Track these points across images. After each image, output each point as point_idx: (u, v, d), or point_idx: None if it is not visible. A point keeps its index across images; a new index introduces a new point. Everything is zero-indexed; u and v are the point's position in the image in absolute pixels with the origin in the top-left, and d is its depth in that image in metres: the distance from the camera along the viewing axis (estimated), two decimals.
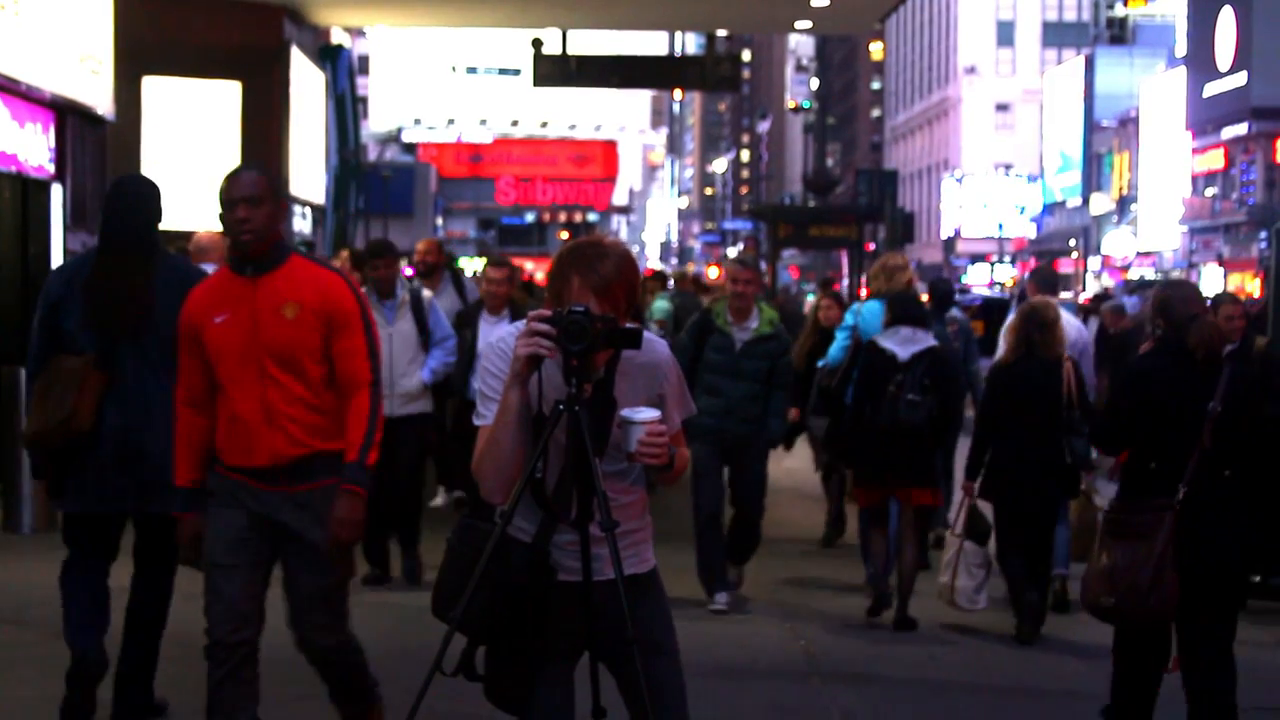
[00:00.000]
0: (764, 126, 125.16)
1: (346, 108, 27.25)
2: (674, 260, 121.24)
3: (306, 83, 23.27)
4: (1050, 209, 77.36)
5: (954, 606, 8.41)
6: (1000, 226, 75.77)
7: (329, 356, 5.18)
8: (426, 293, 9.48)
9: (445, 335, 9.27)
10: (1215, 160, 53.07)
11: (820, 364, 10.47)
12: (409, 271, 12.52)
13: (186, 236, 10.31)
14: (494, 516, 4.07)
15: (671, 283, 18.30)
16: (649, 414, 3.95)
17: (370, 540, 8.92)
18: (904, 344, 8.47)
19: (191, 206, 18.99)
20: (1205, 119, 52.47)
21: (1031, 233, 78.86)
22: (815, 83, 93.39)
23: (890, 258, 10.25)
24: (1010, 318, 9.19)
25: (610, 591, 3.94)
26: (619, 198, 74.82)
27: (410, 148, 71.11)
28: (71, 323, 5.93)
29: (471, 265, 34.44)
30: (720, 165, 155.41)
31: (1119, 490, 5.99)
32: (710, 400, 8.66)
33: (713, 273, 43.01)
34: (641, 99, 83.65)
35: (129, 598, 6.09)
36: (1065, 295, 23.67)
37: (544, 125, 76.60)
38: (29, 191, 13.68)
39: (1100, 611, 5.96)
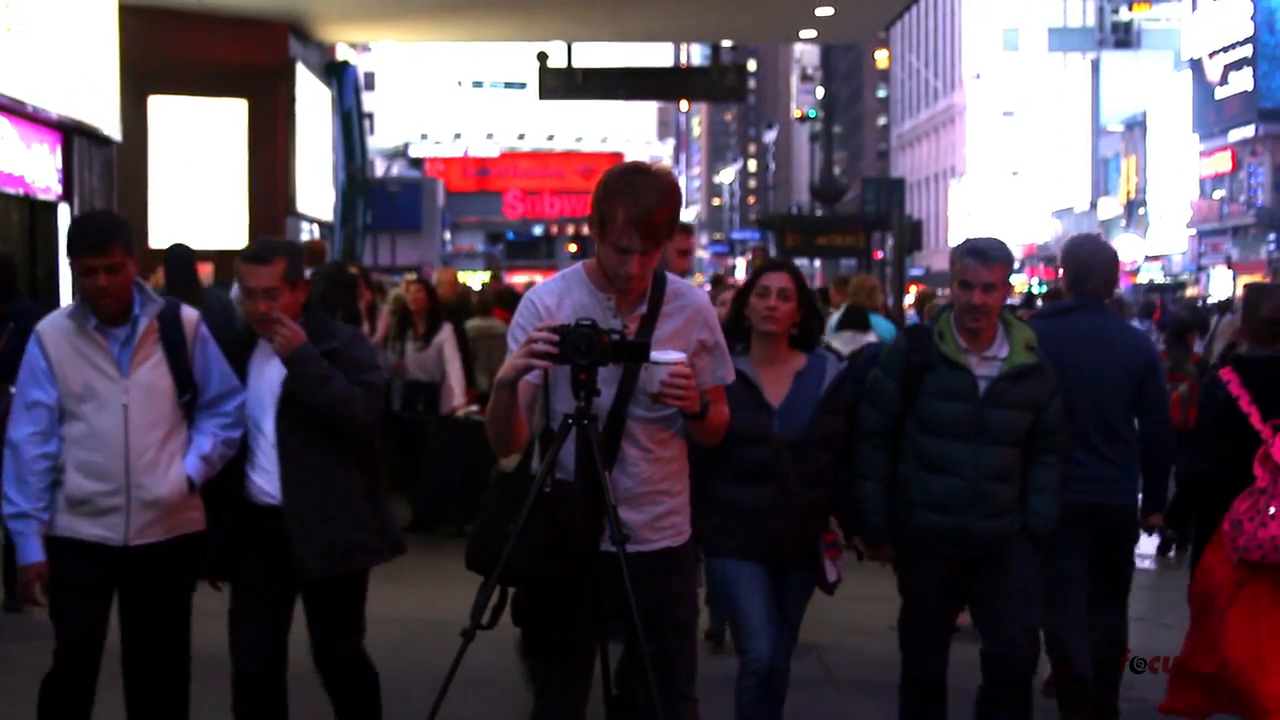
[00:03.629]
0: (770, 136, 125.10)
1: (353, 124, 27.30)
2: None
3: (312, 100, 23.31)
4: (1058, 214, 77.31)
5: None
6: (1009, 232, 75.73)
7: None
8: (191, 312, 5.18)
9: (228, 388, 5.12)
10: (1223, 163, 52.99)
11: None
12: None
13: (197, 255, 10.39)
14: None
15: None
16: (674, 355, 4.03)
17: None
18: (846, 343, 10.97)
19: (200, 225, 19.04)
20: (1212, 122, 52.42)
21: (1040, 238, 78.84)
22: (821, 92, 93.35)
23: (857, 279, 13.11)
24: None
25: (637, 572, 3.93)
26: None
27: (417, 163, 71.31)
28: None
29: (474, 278, 34.37)
30: (727, 175, 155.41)
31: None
32: (936, 481, 5.48)
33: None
34: (647, 111, 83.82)
35: None
36: None
37: (550, 138, 76.77)
38: (36, 213, 13.70)
39: None
